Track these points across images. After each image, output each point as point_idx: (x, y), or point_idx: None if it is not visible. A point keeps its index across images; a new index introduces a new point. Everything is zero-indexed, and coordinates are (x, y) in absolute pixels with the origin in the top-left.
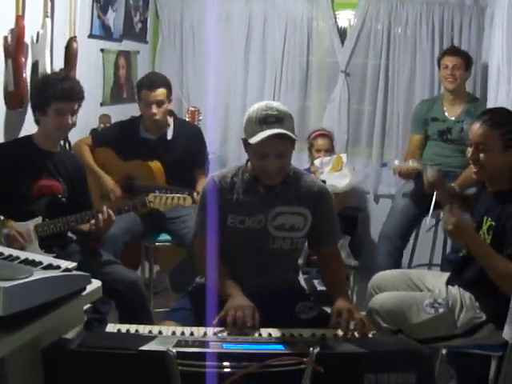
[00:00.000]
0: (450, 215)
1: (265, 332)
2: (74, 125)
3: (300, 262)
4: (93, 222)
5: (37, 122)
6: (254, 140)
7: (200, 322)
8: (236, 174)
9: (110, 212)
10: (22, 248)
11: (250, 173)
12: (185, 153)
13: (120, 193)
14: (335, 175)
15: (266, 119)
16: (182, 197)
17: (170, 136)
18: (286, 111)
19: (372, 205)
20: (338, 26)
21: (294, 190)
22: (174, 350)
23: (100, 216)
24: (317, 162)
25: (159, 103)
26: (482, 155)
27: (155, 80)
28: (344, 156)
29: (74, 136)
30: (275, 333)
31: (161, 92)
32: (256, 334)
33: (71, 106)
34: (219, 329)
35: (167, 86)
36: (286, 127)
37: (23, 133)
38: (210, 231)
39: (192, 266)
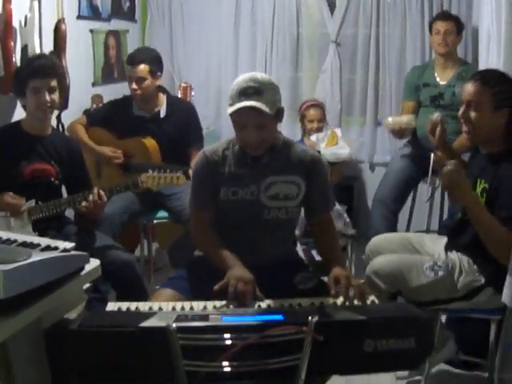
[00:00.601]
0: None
1: (264, 303)
2: (56, 104)
3: (298, 232)
4: (84, 203)
5: (24, 107)
6: (229, 111)
7: (197, 291)
8: (227, 147)
9: (101, 193)
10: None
11: (239, 145)
12: (179, 130)
13: (121, 155)
14: (332, 149)
15: (245, 91)
16: (176, 176)
17: (163, 114)
18: (268, 83)
19: (367, 173)
20: None
21: (284, 159)
22: (174, 325)
23: (91, 197)
24: (312, 137)
25: (140, 79)
26: (472, 113)
27: (136, 56)
28: (338, 130)
29: (68, 117)
30: (274, 304)
31: (142, 68)
32: (255, 306)
33: (47, 83)
34: (217, 302)
35: (150, 61)
36: (264, 100)
37: (15, 117)
38: (205, 205)
39: (190, 242)
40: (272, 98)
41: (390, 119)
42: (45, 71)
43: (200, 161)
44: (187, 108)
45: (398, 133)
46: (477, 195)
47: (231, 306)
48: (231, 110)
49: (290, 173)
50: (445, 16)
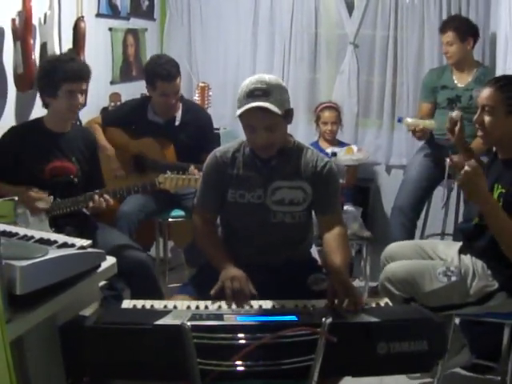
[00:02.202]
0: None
1: (278, 304)
2: (84, 105)
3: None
4: (91, 204)
5: (46, 105)
6: (237, 112)
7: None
8: (238, 149)
9: (106, 197)
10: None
11: (250, 147)
12: (193, 139)
13: (124, 174)
14: (346, 156)
15: (253, 92)
16: (193, 178)
17: (178, 121)
18: (277, 84)
19: (384, 176)
20: None
21: (293, 164)
22: (188, 324)
23: (96, 197)
24: (328, 151)
25: (176, 93)
26: (486, 118)
27: (171, 70)
28: (354, 147)
29: (86, 115)
30: (288, 304)
31: (178, 81)
32: (269, 306)
33: (81, 86)
34: (218, 302)
35: (179, 70)
36: (272, 100)
37: (34, 114)
38: (209, 206)
39: None
40: (280, 98)
41: (409, 120)
42: (80, 75)
43: (210, 161)
44: (203, 117)
45: (418, 133)
46: (492, 196)
47: (233, 306)
48: (239, 111)
49: (298, 178)
50: (443, 28)
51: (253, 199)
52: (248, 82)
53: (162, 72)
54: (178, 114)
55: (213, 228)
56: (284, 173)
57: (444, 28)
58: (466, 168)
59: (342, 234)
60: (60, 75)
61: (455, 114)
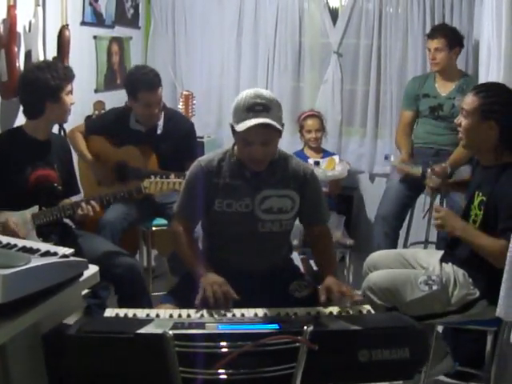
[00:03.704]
0: (436, 212)
1: (260, 312)
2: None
3: (296, 242)
4: (80, 212)
5: (39, 113)
6: (240, 128)
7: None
8: (223, 158)
9: (93, 203)
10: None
11: (238, 156)
12: (174, 147)
13: (109, 181)
14: (327, 172)
15: (253, 107)
16: (178, 181)
17: (159, 130)
18: (274, 100)
19: (367, 184)
20: (329, 7)
21: (280, 173)
22: (170, 332)
23: (83, 204)
24: (310, 161)
25: (159, 102)
26: (463, 120)
27: (153, 80)
28: (336, 157)
29: (71, 122)
30: (270, 312)
31: (160, 91)
32: (252, 314)
33: (71, 87)
34: (201, 311)
35: (160, 80)
36: (272, 116)
37: (18, 122)
38: (190, 216)
39: None
40: (278, 114)
41: (392, 158)
42: (72, 76)
43: (194, 170)
44: (185, 125)
45: (402, 174)
46: (467, 225)
47: (215, 315)
48: (243, 127)
49: (285, 187)
50: (433, 34)
51: (240, 208)
52: (246, 96)
53: (143, 82)
54: (160, 123)
55: (192, 236)
56: (272, 182)
57: (434, 34)
58: (438, 215)
59: (330, 242)
60: (63, 78)
61: (433, 182)
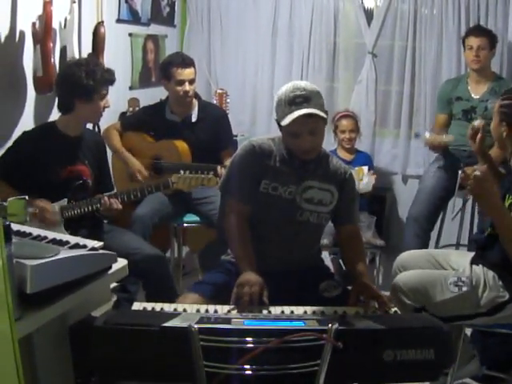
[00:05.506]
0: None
1: (287, 309)
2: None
3: (327, 242)
4: (105, 206)
5: (69, 109)
6: (284, 122)
7: (223, 296)
8: (273, 143)
9: (112, 201)
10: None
11: (286, 146)
12: (210, 135)
13: (146, 174)
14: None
15: (294, 100)
16: (207, 177)
17: (194, 118)
18: (313, 89)
19: (400, 185)
20: (364, 7)
21: (323, 168)
22: (195, 326)
23: (106, 199)
24: None
25: (191, 81)
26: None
27: (186, 58)
28: (365, 168)
29: (104, 120)
30: (297, 310)
31: (193, 70)
32: (278, 312)
33: (107, 90)
34: (228, 307)
35: (195, 65)
36: (313, 105)
37: (52, 116)
38: (245, 198)
39: (221, 246)
40: (319, 102)
41: (427, 135)
42: (113, 79)
43: (246, 149)
44: (219, 113)
45: (436, 148)
46: (502, 203)
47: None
48: (287, 121)
49: (327, 181)
50: (477, 31)
51: (284, 194)
52: (286, 91)
53: (176, 59)
54: (195, 111)
55: (246, 224)
56: (316, 174)
57: (478, 32)
58: (476, 173)
59: (361, 243)
60: (100, 79)
61: (477, 122)
